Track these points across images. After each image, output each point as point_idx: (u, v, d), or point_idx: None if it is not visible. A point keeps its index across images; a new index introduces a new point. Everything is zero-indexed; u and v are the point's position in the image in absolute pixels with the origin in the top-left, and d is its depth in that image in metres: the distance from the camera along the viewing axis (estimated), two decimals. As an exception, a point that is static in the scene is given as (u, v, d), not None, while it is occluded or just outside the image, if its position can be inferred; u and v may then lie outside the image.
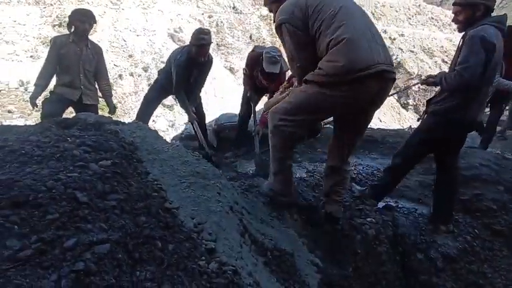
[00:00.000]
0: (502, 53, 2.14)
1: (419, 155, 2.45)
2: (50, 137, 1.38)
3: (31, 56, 14.21)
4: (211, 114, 4.86)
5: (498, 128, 4.62)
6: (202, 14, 19.44)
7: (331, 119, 2.44)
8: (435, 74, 2.40)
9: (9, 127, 1.60)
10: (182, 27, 18.39)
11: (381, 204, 2.64)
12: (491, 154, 3.61)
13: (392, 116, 19.55)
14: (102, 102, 3.75)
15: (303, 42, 1.77)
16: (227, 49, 18.67)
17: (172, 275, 1.11)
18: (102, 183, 1.18)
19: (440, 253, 2.29)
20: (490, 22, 2.08)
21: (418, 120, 2.58)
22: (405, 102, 20.34)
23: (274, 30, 2.12)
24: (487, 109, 3.99)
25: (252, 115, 3.75)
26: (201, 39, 3.35)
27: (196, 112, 3.78)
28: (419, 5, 24.85)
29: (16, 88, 13.06)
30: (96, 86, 3.55)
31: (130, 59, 16.32)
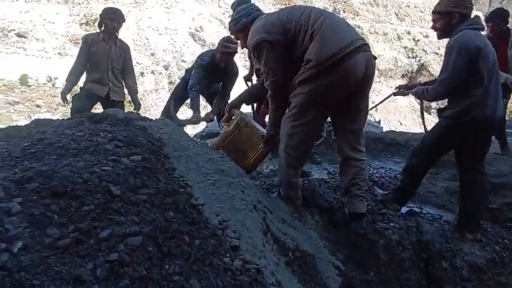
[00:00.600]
0: (492, 48, 2.22)
1: (435, 156, 2.41)
2: (84, 131, 1.43)
3: (59, 53, 14.77)
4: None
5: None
6: (224, 13, 19.61)
7: None
8: (407, 84, 2.62)
9: (45, 121, 1.67)
10: (203, 27, 18.63)
11: (404, 209, 2.58)
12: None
13: (414, 120, 19.07)
14: (127, 98, 3.86)
15: (281, 53, 1.91)
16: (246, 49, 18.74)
17: (199, 270, 1.13)
18: (134, 177, 1.22)
19: (466, 262, 2.21)
20: (466, 26, 2.16)
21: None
22: (427, 105, 19.80)
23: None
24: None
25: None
26: (227, 47, 3.43)
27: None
28: (446, 6, 24.05)
29: (44, 84, 13.62)
30: (123, 83, 3.66)
31: (152, 57, 16.68)
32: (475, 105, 2.13)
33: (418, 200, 2.83)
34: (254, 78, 3.62)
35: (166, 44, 17.52)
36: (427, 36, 21.85)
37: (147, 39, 17.23)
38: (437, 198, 2.86)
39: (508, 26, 3.56)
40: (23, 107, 12.84)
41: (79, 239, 0.91)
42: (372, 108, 3.51)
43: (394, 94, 2.84)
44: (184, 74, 4.15)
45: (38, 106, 12.94)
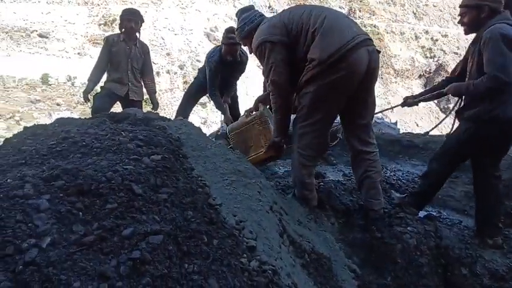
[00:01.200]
0: None
1: (457, 161, 2.33)
2: (106, 131, 1.47)
3: (78, 53, 15.17)
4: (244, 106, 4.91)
5: None
6: (238, 13, 19.69)
7: None
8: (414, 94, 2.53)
9: (67, 120, 1.72)
10: (218, 27, 18.75)
11: (422, 213, 2.52)
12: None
13: (431, 121, 18.64)
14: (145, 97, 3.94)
15: (282, 53, 1.91)
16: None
17: (217, 270, 1.14)
18: (154, 176, 1.24)
19: (487, 269, 2.14)
20: (499, 21, 2.02)
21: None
22: (445, 106, 19.31)
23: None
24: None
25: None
26: (230, 38, 3.40)
27: (232, 108, 3.85)
28: (466, 4, 23.37)
29: (64, 83, 14.02)
30: (142, 82, 3.74)
31: (168, 57, 16.91)
32: (499, 105, 2.04)
33: (436, 204, 2.77)
34: None
35: (182, 44, 17.72)
36: (445, 36, 21.29)
37: (163, 39, 17.47)
38: (456, 202, 2.78)
39: None
40: (44, 105, 13.25)
41: (103, 236, 0.94)
42: (378, 113, 3.46)
43: (402, 105, 2.73)
44: (197, 73, 4.18)
45: (58, 104, 13.33)
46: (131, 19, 3.51)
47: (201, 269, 1.09)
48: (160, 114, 2.25)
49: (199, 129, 2.04)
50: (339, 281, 1.72)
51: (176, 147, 1.66)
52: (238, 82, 4.08)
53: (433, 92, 2.57)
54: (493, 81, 1.99)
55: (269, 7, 20.52)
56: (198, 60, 17.15)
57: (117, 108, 3.63)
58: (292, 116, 2.19)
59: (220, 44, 3.75)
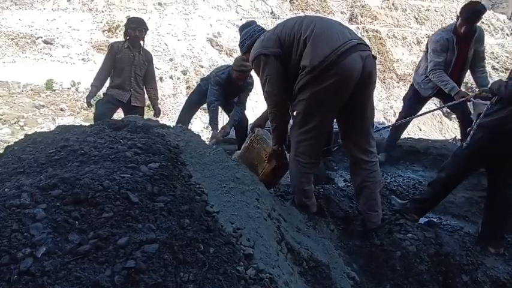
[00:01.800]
0: None
1: (467, 171, 2.27)
2: (105, 139, 1.48)
3: (82, 59, 15.32)
4: (252, 118, 4.92)
5: None
6: (241, 19, 19.80)
7: None
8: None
9: (68, 127, 1.74)
10: (221, 33, 18.87)
11: (422, 220, 2.51)
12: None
13: (434, 126, 18.51)
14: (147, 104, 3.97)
15: (276, 65, 1.94)
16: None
17: (213, 278, 1.14)
18: (151, 184, 1.25)
19: (488, 277, 2.12)
20: None
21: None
22: (447, 111, 19.20)
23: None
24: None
25: None
26: (242, 66, 3.47)
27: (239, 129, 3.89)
28: (468, 9, 23.34)
29: (68, 88, 14.14)
30: (144, 89, 3.78)
31: (171, 63, 17.02)
32: None
33: (437, 210, 2.75)
34: None
35: (185, 50, 17.84)
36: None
37: (166, 45, 17.61)
38: (457, 208, 2.76)
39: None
40: (48, 110, 13.36)
41: (98, 246, 0.95)
42: (424, 114, 3.43)
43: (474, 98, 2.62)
44: (199, 82, 4.21)
45: (62, 110, 13.43)
46: (136, 28, 3.58)
47: (196, 277, 1.10)
48: (164, 119, 2.28)
49: (198, 136, 2.05)
50: (337, 289, 1.71)
51: (174, 154, 1.67)
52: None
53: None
54: None
55: (271, 13, 20.66)
56: (201, 66, 17.26)
57: (120, 114, 3.67)
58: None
59: (229, 64, 3.81)
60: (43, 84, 14.00)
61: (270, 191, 2.41)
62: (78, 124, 2.17)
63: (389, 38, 20.30)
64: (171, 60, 17.04)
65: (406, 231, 2.23)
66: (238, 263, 1.29)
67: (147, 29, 3.70)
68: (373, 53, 1.94)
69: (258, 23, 2.42)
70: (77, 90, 13.82)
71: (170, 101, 16.08)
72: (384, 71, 18.31)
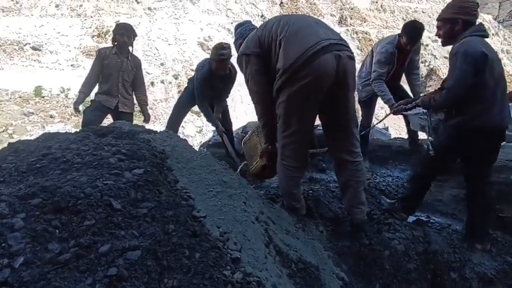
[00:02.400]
0: (497, 54, 2.18)
1: (441, 165, 2.37)
2: (89, 145, 1.47)
3: (72, 65, 15.16)
4: (239, 122, 4.93)
5: None
6: (231, 22, 19.86)
7: None
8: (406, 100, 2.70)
9: (52, 134, 1.73)
10: (211, 36, 18.87)
11: (411, 219, 2.54)
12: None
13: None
14: (137, 109, 3.95)
15: (258, 64, 1.96)
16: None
17: (199, 284, 1.14)
18: (135, 191, 1.24)
19: (476, 273, 2.16)
20: (471, 33, 2.12)
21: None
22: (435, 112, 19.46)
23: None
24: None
25: None
26: (220, 55, 3.46)
27: (223, 120, 3.85)
28: (455, 10, 23.78)
29: (57, 94, 13.97)
30: (133, 95, 3.76)
31: (162, 67, 16.95)
32: (480, 113, 2.08)
33: (425, 208, 2.79)
34: None
35: (176, 54, 17.80)
36: (435, 41, 21.60)
37: (156, 49, 17.54)
38: (445, 206, 2.80)
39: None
40: (37, 117, 13.17)
41: (79, 254, 0.94)
42: (376, 124, 3.50)
43: (394, 113, 2.92)
44: (187, 83, 4.21)
45: (51, 116, 13.25)
46: (124, 33, 3.57)
47: (181, 283, 1.09)
48: (155, 124, 2.28)
49: (185, 141, 2.05)
50: (326, 290, 1.71)
51: (160, 160, 1.66)
52: (232, 91, 4.11)
53: (413, 102, 2.67)
54: (448, 95, 2.11)
55: (261, 16, 20.75)
56: (192, 70, 17.22)
57: (110, 120, 3.64)
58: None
59: (208, 57, 3.80)
60: (32, 91, 13.81)
61: (261, 193, 2.42)
62: (68, 131, 2.14)
63: (378, 39, 20.58)
64: (162, 64, 16.97)
65: (394, 230, 2.26)
66: (225, 267, 1.29)
67: (136, 35, 3.69)
68: (362, 53, 1.97)
69: (251, 23, 2.44)
70: (66, 96, 13.65)
71: (162, 105, 16.00)
72: (374, 72, 18.49)
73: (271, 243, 1.67)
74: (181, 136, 2.26)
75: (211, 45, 18.27)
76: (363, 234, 2.10)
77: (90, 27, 16.94)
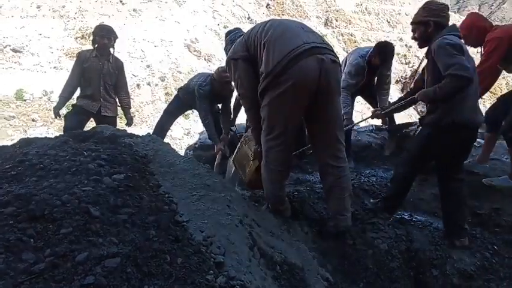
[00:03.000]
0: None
1: (420, 164, 2.42)
2: (67, 151, 1.44)
3: (54, 67, 14.80)
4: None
5: None
6: (218, 24, 19.81)
7: None
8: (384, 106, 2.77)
9: (30, 140, 1.68)
10: (198, 38, 18.77)
11: (395, 218, 2.58)
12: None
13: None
14: (121, 112, 3.88)
15: (245, 68, 1.96)
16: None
17: (180, 289, 1.13)
18: (115, 197, 1.22)
19: (456, 269, 2.21)
20: (446, 33, 2.16)
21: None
22: (422, 110, 19.92)
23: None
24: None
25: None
26: (225, 78, 3.48)
27: (223, 120, 3.94)
28: (436, 12, 24.39)
29: (40, 98, 13.61)
30: (116, 98, 3.70)
31: (148, 69, 16.73)
32: (454, 108, 2.13)
33: (408, 207, 2.84)
34: None
35: (162, 56, 17.62)
36: (419, 42, 22.10)
37: (142, 51, 17.32)
38: (426, 204, 2.86)
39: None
40: (19, 121, 12.79)
41: (55, 263, 0.92)
42: (353, 125, 3.57)
43: (372, 117, 3.07)
44: (177, 92, 4.19)
45: (33, 120, 12.90)
46: (104, 35, 3.49)
47: (162, 289, 1.08)
48: (142, 127, 2.25)
49: (167, 144, 2.03)
50: (311, 291, 1.73)
51: (143, 164, 1.65)
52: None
53: (401, 102, 2.72)
54: (456, 79, 2.03)
55: (248, 18, 20.78)
56: (179, 72, 17.07)
57: (92, 124, 3.57)
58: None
59: (210, 73, 3.82)
60: (13, 94, 13.42)
61: (244, 196, 2.42)
62: (51, 135, 2.09)
63: (363, 41, 20.86)
64: (148, 66, 16.75)
65: (378, 229, 2.29)
66: (208, 272, 1.28)
67: (116, 37, 3.62)
68: (342, 56, 1.99)
69: (241, 30, 2.45)
70: (49, 99, 13.32)
71: (149, 107, 15.79)
72: (360, 73, 18.76)
73: (255, 246, 1.67)
74: (169, 139, 2.24)
75: (197, 47, 18.16)
76: (348, 235, 2.12)
77: (73, 29, 16.58)
